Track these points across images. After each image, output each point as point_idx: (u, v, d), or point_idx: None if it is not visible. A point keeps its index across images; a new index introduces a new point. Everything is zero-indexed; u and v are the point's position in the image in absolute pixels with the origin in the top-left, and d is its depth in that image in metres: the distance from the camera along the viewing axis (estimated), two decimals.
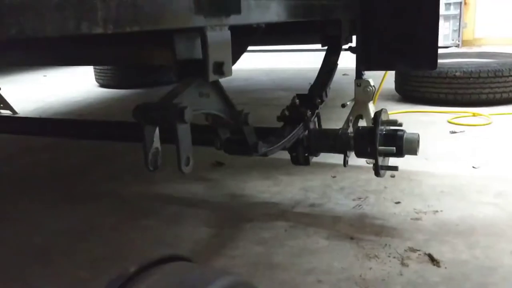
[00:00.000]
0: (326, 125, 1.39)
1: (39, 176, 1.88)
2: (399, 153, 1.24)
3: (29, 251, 1.25)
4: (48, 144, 2.24)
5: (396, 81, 3.05)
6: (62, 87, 4.25)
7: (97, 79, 4.16)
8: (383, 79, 2.32)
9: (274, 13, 0.97)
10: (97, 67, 4.08)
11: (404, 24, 1.55)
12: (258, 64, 5.48)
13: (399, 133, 1.25)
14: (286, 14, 1.03)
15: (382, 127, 1.27)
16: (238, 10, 0.78)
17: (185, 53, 0.81)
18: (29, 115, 2.96)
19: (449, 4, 5.83)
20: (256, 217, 1.38)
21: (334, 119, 2.07)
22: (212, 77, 0.78)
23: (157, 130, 0.75)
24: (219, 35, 0.77)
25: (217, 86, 0.85)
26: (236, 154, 1.03)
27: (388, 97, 3.03)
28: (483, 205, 1.39)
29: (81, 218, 1.45)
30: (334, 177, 1.68)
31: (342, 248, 1.17)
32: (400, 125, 1.31)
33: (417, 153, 1.24)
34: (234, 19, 0.79)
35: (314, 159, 1.81)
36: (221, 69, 0.78)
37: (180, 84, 0.77)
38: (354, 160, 1.71)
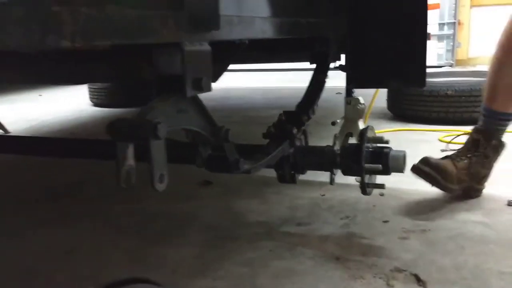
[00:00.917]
0: (317, 143, 1.38)
1: (26, 195, 1.85)
2: (385, 171, 1.23)
3: (14, 270, 1.22)
4: (36, 162, 2.23)
5: (388, 100, 3.06)
6: (57, 106, 4.25)
7: (91, 98, 4.15)
8: (374, 97, 2.32)
9: (259, 30, 0.97)
10: (91, 86, 4.09)
11: (392, 42, 1.56)
12: (254, 83, 5.52)
13: (385, 150, 1.23)
14: (271, 31, 1.02)
15: (368, 145, 1.25)
16: (217, 26, 0.77)
17: (164, 68, 0.80)
18: (22, 134, 2.94)
19: (443, 24, 5.90)
20: (242, 236, 1.36)
21: (325, 137, 2.05)
22: (190, 92, 0.77)
23: (131, 147, 0.74)
24: (198, 50, 0.76)
25: (196, 102, 0.83)
26: (217, 172, 1.01)
27: (380, 116, 3.03)
28: (472, 224, 1.37)
29: (64, 237, 1.42)
30: (323, 195, 1.67)
31: (327, 268, 1.15)
32: (387, 142, 1.30)
33: (404, 171, 1.23)
34: (214, 35, 0.79)
35: (304, 177, 1.80)
36: (200, 84, 0.77)
37: (156, 100, 0.76)
38: (344, 178, 1.69)
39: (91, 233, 1.45)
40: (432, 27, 5.52)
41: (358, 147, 1.23)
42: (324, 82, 1.54)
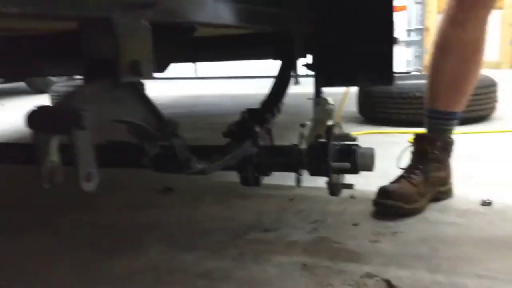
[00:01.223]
0: None
1: None
2: (354, 170, 1.15)
3: None
4: None
5: (358, 103, 3.01)
6: (17, 115, 4.05)
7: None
8: (344, 98, 2.26)
9: (211, 14, 0.88)
10: (53, 93, 3.92)
11: (359, 38, 1.50)
12: (224, 89, 5.43)
13: (352, 148, 1.16)
14: (226, 17, 0.93)
15: (336, 142, 1.18)
16: (151, 3, 0.68)
17: (94, 50, 0.70)
18: None
19: (411, 30, 5.96)
20: (203, 246, 1.25)
21: (295, 141, 1.97)
22: (125, 77, 0.66)
23: (55, 140, 0.63)
24: (134, 29, 0.67)
25: (135, 90, 0.73)
26: (166, 172, 0.91)
27: (351, 119, 2.98)
28: (445, 225, 1.30)
29: (8, 249, 1.29)
30: (291, 200, 1.58)
31: (293, 276, 1.05)
32: (354, 139, 1.22)
33: (372, 169, 1.15)
34: (153, 13, 0.69)
35: (272, 181, 1.71)
36: (138, 68, 0.67)
37: (85, 86, 0.66)
38: (313, 181, 1.61)
39: (37, 245, 1.31)
40: (400, 34, 5.55)
41: (324, 144, 1.15)
42: (289, 78, 1.46)
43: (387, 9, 1.47)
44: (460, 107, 1.47)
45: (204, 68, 7.43)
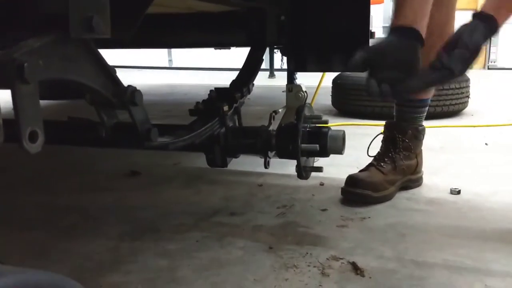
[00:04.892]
0: None
1: None
2: (323, 152, 1.12)
3: None
4: None
5: (332, 95, 3.00)
6: None
7: None
8: (319, 85, 2.23)
9: None
10: None
11: (334, 23, 1.47)
12: (199, 80, 5.36)
13: (323, 130, 1.13)
14: None
15: (306, 124, 1.14)
16: None
17: (44, 4, 0.65)
18: None
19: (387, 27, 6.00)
20: (166, 228, 1.21)
21: None
22: (77, 32, 0.62)
23: None
24: None
25: (90, 49, 0.68)
26: (124, 146, 0.86)
27: (325, 112, 2.97)
28: (413, 212, 1.29)
29: None
30: (260, 185, 1.54)
31: (258, 258, 1.02)
32: (326, 122, 1.19)
33: (343, 152, 1.12)
34: None
35: (241, 168, 1.68)
36: (90, 24, 0.62)
37: (32, 39, 0.60)
38: (284, 168, 1.58)
39: None
40: (377, 30, 5.57)
41: (293, 126, 1.12)
42: (261, 60, 1.42)
43: None
44: (428, 96, 1.45)
45: (179, 59, 7.34)
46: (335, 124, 2.54)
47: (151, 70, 6.78)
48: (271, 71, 5.29)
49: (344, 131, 1.13)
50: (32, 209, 1.37)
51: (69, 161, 1.87)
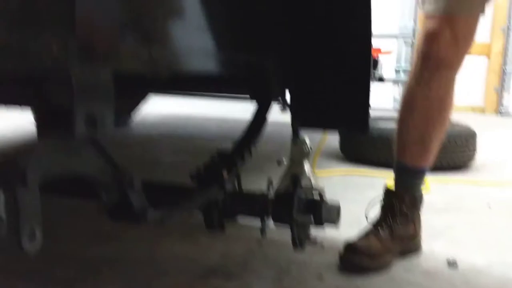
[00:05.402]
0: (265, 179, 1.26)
1: None
2: (318, 223, 1.14)
3: None
4: None
5: (340, 141, 3.03)
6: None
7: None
8: (323, 140, 2.27)
9: (182, 61, 0.88)
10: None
11: (335, 84, 1.50)
12: (210, 112, 5.36)
13: (318, 201, 1.15)
14: (198, 64, 0.94)
15: (302, 194, 1.17)
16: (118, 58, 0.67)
17: (53, 101, 0.69)
18: None
19: (399, 71, 6.07)
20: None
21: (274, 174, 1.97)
22: (81, 134, 0.65)
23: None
24: (93, 79, 0.66)
25: (92, 142, 0.72)
26: (121, 221, 0.89)
27: (332, 156, 2.99)
28: (409, 286, 1.29)
29: None
30: (259, 242, 1.55)
31: None
32: (322, 191, 1.22)
33: (337, 224, 1.14)
34: (116, 63, 0.68)
35: (242, 219, 1.69)
36: (95, 123, 0.66)
37: (38, 141, 0.64)
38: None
39: None
40: (388, 72, 5.63)
41: (289, 196, 1.14)
42: (265, 120, 1.45)
43: (365, 55, 1.45)
44: (426, 163, 1.47)
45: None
46: (339, 170, 2.56)
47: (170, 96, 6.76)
48: (284, 104, 5.30)
49: (339, 203, 1.15)
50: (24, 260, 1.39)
51: (70, 206, 1.90)
